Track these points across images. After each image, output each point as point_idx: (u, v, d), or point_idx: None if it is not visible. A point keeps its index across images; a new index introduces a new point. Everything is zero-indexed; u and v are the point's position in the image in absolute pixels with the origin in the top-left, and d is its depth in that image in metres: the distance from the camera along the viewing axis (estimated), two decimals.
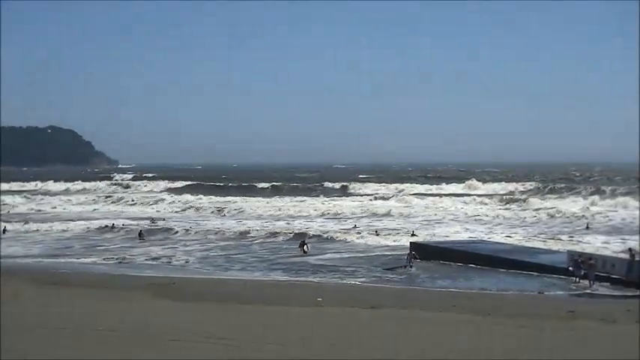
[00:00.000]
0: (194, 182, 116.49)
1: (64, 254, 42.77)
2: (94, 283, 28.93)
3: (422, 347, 15.56)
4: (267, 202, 78.55)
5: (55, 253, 43.70)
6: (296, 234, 49.86)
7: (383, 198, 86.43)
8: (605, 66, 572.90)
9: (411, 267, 34.15)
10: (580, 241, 44.38)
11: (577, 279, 30.01)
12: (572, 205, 67.68)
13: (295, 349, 14.75)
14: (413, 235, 48.53)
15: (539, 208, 65.46)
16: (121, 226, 56.81)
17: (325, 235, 49.13)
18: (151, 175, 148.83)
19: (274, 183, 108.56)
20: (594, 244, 42.56)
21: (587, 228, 52.83)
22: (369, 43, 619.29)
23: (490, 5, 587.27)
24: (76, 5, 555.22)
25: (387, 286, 29.68)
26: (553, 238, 46.00)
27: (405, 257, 35.48)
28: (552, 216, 60.10)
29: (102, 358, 14.06)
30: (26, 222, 58.38)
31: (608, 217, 57.76)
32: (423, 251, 39.39)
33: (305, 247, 42.07)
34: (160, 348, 14.83)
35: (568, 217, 58.78)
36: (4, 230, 55.51)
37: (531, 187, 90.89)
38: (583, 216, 58.35)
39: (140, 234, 50.34)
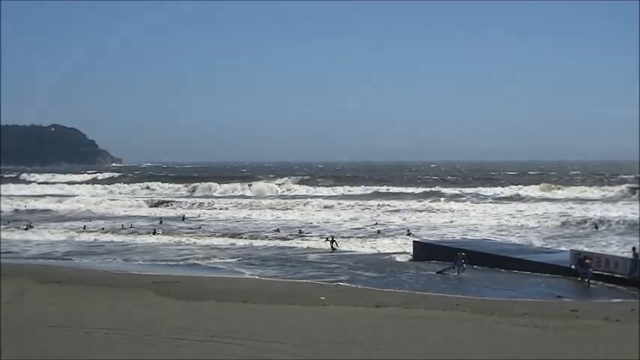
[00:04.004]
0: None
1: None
2: (98, 282, 29.00)
3: (426, 345, 15.61)
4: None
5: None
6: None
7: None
8: (605, 64, 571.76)
9: (463, 270, 32.58)
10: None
11: (579, 278, 30.06)
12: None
13: (299, 348, 14.81)
14: (409, 234, 48.42)
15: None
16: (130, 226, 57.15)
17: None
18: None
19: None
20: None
21: (596, 228, 52.49)
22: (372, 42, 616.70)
23: (487, 5, 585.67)
24: (78, 4, 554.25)
25: (390, 286, 29.65)
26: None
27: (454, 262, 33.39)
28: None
29: (106, 356, 14.12)
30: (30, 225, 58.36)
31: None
32: (425, 251, 39.43)
33: (334, 243, 43.23)
34: (164, 346, 14.89)
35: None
36: (29, 227, 56.48)
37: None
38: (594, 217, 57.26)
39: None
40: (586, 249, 37.25)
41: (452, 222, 57.82)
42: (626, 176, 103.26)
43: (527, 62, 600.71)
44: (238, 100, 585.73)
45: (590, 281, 29.56)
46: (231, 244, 46.59)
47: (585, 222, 54.75)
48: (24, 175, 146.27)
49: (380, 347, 15.15)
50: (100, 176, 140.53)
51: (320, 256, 40.03)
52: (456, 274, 32.48)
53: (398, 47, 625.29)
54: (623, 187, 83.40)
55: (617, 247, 40.86)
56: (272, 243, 46.52)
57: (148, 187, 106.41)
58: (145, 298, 24.20)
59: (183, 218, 65.03)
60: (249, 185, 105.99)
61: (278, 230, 53.09)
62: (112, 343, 15.13)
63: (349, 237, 48.49)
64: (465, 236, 48.63)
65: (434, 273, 33.29)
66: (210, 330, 16.61)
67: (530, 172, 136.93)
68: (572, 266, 30.85)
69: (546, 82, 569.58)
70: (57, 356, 14.06)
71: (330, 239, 44.59)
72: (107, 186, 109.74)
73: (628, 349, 15.54)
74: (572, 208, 64.99)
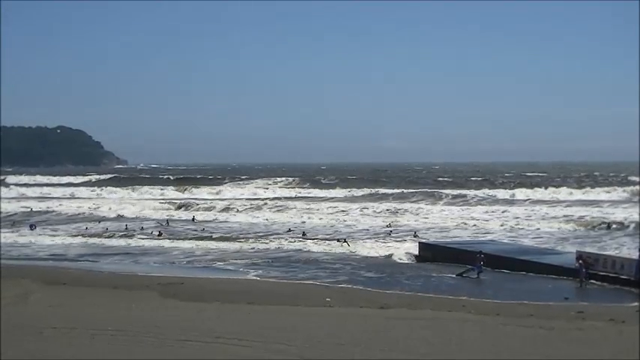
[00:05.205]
0: None
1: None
2: (102, 283, 29.07)
3: (431, 346, 15.56)
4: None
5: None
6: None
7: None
8: (605, 65, 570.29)
9: (481, 272, 32.35)
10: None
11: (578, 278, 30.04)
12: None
13: (304, 349, 14.77)
14: (415, 235, 48.36)
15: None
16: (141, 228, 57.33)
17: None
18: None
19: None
20: None
21: (609, 228, 52.29)
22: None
23: (487, 6, 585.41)
24: (79, 5, 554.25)
25: (395, 287, 29.62)
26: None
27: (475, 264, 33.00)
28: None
29: (110, 358, 14.11)
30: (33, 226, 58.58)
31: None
32: (430, 252, 39.37)
33: (346, 242, 44.70)
34: (169, 348, 14.87)
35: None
36: (34, 227, 56.92)
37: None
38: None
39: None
40: (596, 251, 37.15)
41: (457, 224, 57.61)
42: (632, 178, 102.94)
43: (527, 63, 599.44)
44: (238, 100, 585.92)
45: (589, 281, 29.56)
46: (238, 245, 46.61)
47: (597, 223, 54.43)
48: (14, 177, 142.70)
49: (385, 348, 15.10)
50: (99, 177, 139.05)
51: (326, 258, 40.03)
52: (476, 276, 32.26)
53: (399, 47, 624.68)
54: (632, 188, 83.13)
55: (628, 249, 40.57)
56: (275, 244, 46.56)
57: (153, 189, 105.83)
58: (150, 300, 24.24)
59: (193, 219, 65.01)
60: (252, 187, 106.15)
61: (290, 230, 53.64)
62: (117, 345, 15.11)
63: (358, 238, 48.65)
64: (472, 238, 48.58)
65: (438, 275, 33.26)
66: (215, 331, 16.59)
67: (534, 174, 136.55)
68: (579, 262, 30.85)
69: (546, 82, 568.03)
70: (61, 357, 14.06)
71: (343, 240, 45.88)
72: (112, 188, 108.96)
73: (633, 351, 15.46)
74: (580, 209, 64.75)
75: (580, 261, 30.52)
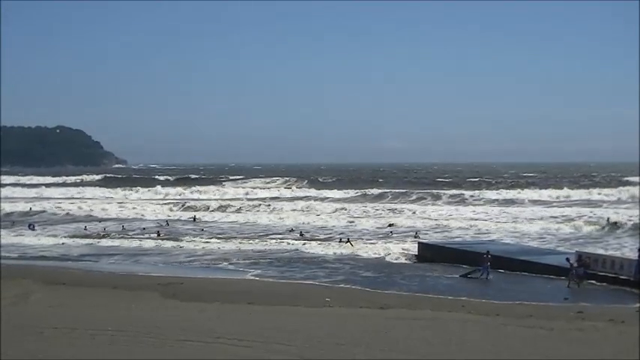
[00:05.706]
0: None
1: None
2: (103, 283, 29.08)
3: (431, 347, 15.58)
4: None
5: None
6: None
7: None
8: (605, 65, 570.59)
9: (488, 273, 32.02)
10: None
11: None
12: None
13: (304, 349, 14.79)
14: (416, 236, 48.36)
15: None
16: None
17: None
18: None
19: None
20: None
21: (610, 225, 52.16)
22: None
23: (487, 6, 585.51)
24: (79, 5, 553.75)
25: (395, 287, 29.63)
26: None
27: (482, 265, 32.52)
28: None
29: (111, 358, 14.12)
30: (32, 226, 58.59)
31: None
32: (430, 252, 39.37)
33: (349, 242, 44.87)
34: (169, 348, 14.88)
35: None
36: (33, 227, 57.10)
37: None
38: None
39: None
40: (597, 251, 37.10)
41: (457, 224, 57.56)
42: (631, 178, 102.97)
43: (527, 63, 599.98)
44: (238, 100, 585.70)
45: (589, 281, 29.58)
46: (238, 245, 46.60)
47: (598, 224, 54.34)
48: (8, 177, 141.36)
49: (385, 349, 15.12)
50: (95, 177, 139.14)
51: (326, 258, 40.00)
52: (483, 277, 32.00)
53: (399, 47, 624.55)
54: (631, 188, 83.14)
55: (630, 250, 40.32)
56: (275, 244, 46.54)
57: (151, 189, 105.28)
58: (150, 300, 24.25)
59: (194, 219, 64.96)
60: (251, 187, 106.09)
61: (292, 230, 53.91)
62: (117, 345, 15.13)
63: (358, 238, 48.65)
64: (472, 238, 48.58)
65: (438, 275, 33.23)
66: (216, 331, 16.60)
67: (534, 174, 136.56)
68: (570, 263, 30.88)
69: (546, 82, 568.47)
70: (62, 357, 14.07)
71: (345, 239, 46.13)
72: (107, 189, 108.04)
73: (633, 351, 15.48)
74: (580, 209, 64.67)
75: (570, 261, 30.45)
